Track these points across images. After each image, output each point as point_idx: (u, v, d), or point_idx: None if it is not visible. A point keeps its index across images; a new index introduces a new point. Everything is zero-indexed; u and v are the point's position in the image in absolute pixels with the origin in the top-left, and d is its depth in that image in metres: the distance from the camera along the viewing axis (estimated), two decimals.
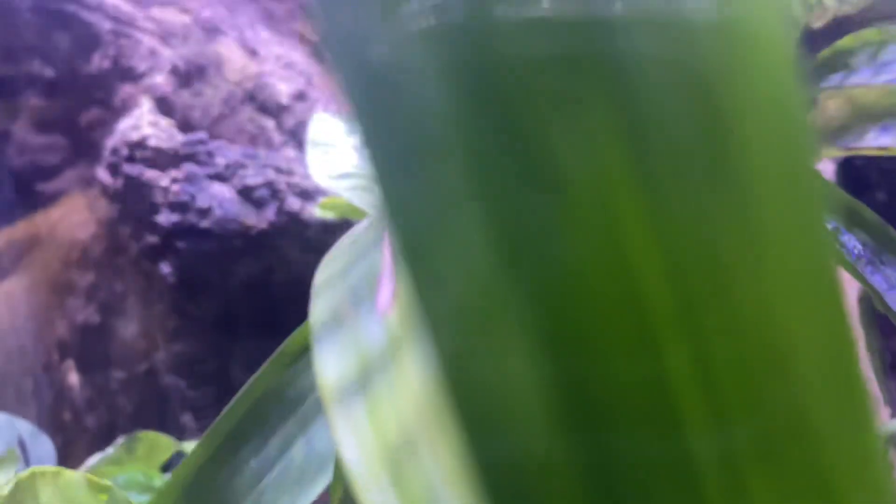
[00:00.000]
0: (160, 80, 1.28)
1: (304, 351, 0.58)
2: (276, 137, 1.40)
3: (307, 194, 1.09)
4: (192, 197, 1.00)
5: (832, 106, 0.87)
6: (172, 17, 1.42)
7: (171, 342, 1.26)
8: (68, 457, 1.09)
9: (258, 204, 1.06)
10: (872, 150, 0.82)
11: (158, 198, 1.00)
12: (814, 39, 0.71)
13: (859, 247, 0.74)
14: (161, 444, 0.84)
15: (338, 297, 0.39)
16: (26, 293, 1.24)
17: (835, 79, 0.75)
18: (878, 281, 0.68)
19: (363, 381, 0.29)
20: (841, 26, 0.66)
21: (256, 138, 1.38)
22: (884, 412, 1.10)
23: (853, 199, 0.76)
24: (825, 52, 0.77)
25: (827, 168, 1.59)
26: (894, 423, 0.98)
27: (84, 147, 1.24)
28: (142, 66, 1.27)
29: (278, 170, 1.08)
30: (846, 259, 0.70)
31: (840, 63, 0.76)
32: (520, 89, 0.14)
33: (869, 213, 0.76)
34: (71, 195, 1.26)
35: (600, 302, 0.14)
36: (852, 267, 0.69)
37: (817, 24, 0.69)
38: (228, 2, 1.54)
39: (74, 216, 1.23)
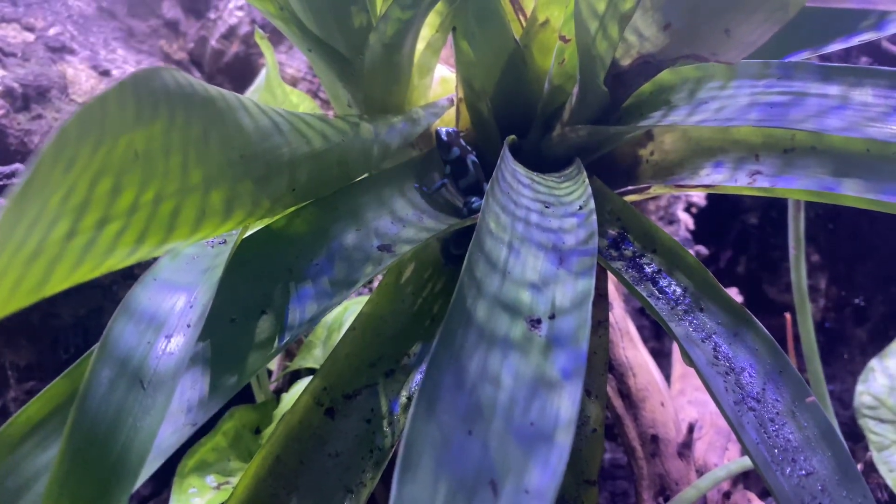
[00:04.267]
0: None
1: (31, 432, 0.51)
2: None
3: None
4: None
5: (668, 140, 0.85)
6: (13, 34, 1.32)
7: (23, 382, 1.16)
8: None
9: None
10: (702, 189, 0.80)
11: None
12: (624, 78, 0.68)
13: (679, 291, 0.71)
14: None
15: None
16: None
17: (656, 115, 0.72)
18: (682, 329, 0.65)
19: None
20: (647, 65, 0.63)
21: None
22: (734, 448, 1.08)
23: (676, 243, 0.74)
24: (646, 86, 0.74)
25: (699, 192, 1.59)
26: (740, 462, 0.97)
27: None
28: None
29: None
30: (652, 304, 0.67)
31: (661, 100, 0.73)
32: None
33: (691, 258, 0.74)
34: None
35: None
36: (658, 315, 0.66)
37: (625, 62, 0.65)
38: (81, 19, 1.45)
39: None
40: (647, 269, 0.73)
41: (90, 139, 0.32)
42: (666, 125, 0.81)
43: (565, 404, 0.45)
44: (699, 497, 0.82)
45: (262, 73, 1.01)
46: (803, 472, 0.57)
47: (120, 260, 0.43)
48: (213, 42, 1.52)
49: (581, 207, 0.66)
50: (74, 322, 1.13)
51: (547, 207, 0.67)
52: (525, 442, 0.43)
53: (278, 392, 1.02)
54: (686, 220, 1.49)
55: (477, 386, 0.46)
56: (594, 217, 0.63)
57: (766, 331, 0.66)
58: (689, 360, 0.63)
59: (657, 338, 1.54)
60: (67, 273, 0.37)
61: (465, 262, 0.52)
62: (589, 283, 0.54)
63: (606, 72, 0.67)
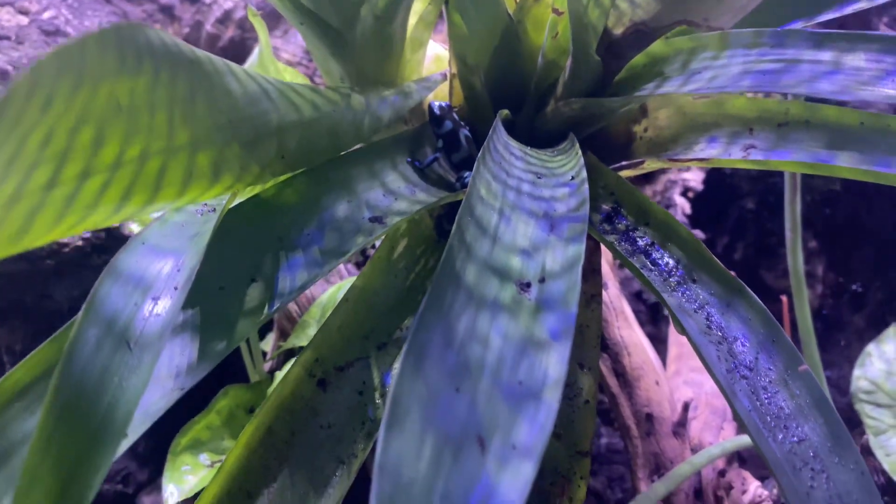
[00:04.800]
0: None
1: (18, 396, 0.51)
2: None
3: None
4: None
5: (663, 116, 0.85)
6: (7, 18, 1.31)
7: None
8: None
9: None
10: (696, 163, 0.80)
11: None
12: (617, 48, 0.67)
13: (672, 263, 0.71)
14: None
15: None
16: None
17: (649, 87, 0.71)
18: (674, 299, 0.64)
19: None
20: (640, 33, 0.62)
21: None
22: (729, 428, 1.08)
23: (669, 215, 0.73)
24: (639, 59, 0.74)
25: (697, 177, 1.59)
26: (736, 440, 0.97)
27: None
28: None
29: None
30: (645, 275, 0.67)
31: (654, 72, 0.73)
32: None
33: (683, 230, 0.74)
34: None
35: None
36: (651, 285, 0.65)
37: (617, 30, 0.65)
38: (76, 3, 1.44)
39: None
40: (640, 242, 0.73)
41: (68, 79, 0.32)
42: (660, 97, 0.81)
43: (554, 364, 0.45)
44: (693, 473, 0.82)
45: (255, 50, 1.01)
46: (795, 438, 0.56)
47: (105, 217, 0.43)
48: (208, 27, 1.52)
49: (573, 178, 0.66)
50: (70, 305, 1.13)
51: (539, 178, 0.66)
52: (513, 400, 0.43)
53: (272, 372, 1.02)
54: (683, 204, 1.49)
55: (465, 345, 0.45)
56: (586, 186, 0.63)
57: (760, 301, 0.66)
58: (681, 328, 0.62)
59: (653, 322, 1.54)
60: (49, 225, 0.37)
61: (454, 225, 0.52)
62: (579, 248, 0.54)
63: (599, 41, 0.67)
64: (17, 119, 0.29)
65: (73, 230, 0.40)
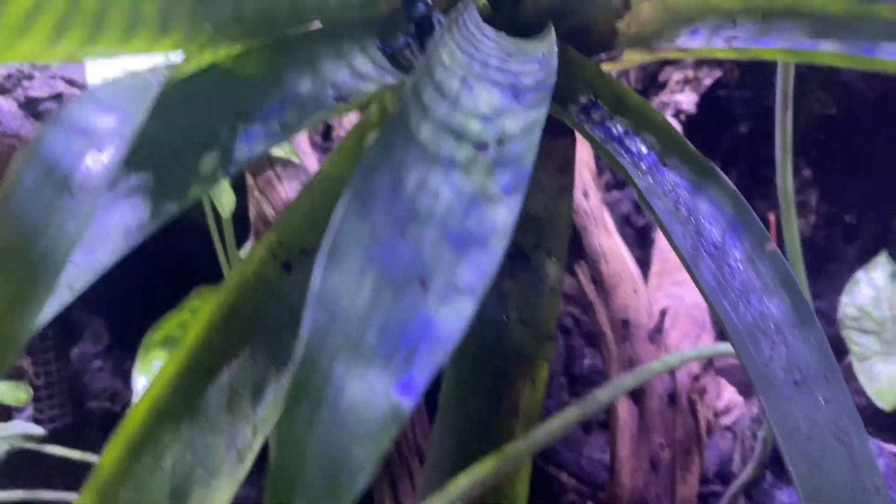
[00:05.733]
0: None
1: None
2: None
3: None
4: None
5: (646, 10, 0.82)
6: None
7: None
8: None
9: (45, 118, 0.96)
10: (677, 53, 0.78)
11: None
12: None
13: (644, 149, 0.70)
14: None
15: None
16: None
17: None
18: (644, 182, 0.63)
19: None
20: None
21: None
22: (708, 338, 1.08)
23: (644, 102, 0.72)
24: None
25: (689, 99, 1.56)
26: (713, 346, 0.96)
27: None
28: None
29: (71, 82, 0.98)
30: (617, 160, 0.66)
31: None
32: None
33: (659, 117, 0.72)
34: None
35: None
36: (623, 168, 0.64)
37: None
38: None
39: None
40: (614, 131, 0.71)
41: None
42: None
43: (503, 215, 0.44)
44: (665, 370, 0.81)
45: None
46: (757, 312, 0.56)
47: (39, 48, 0.41)
48: None
49: (544, 55, 0.64)
50: None
51: (510, 56, 0.65)
52: (459, 246, 0.42)
53: None
54: (675, 126, 1.47)
55: (415, 196, 0.44)
56: (555, 60, 0.61)
57: (731, 184, 0.64)
58: (649, 207, 0.61)
59: (641, 247, 1.53)
60: None
61: (410, 83, 0.50)
62: (541, 113, 0.53)
63: None
64: None
65: (1, 57, 0.39)
